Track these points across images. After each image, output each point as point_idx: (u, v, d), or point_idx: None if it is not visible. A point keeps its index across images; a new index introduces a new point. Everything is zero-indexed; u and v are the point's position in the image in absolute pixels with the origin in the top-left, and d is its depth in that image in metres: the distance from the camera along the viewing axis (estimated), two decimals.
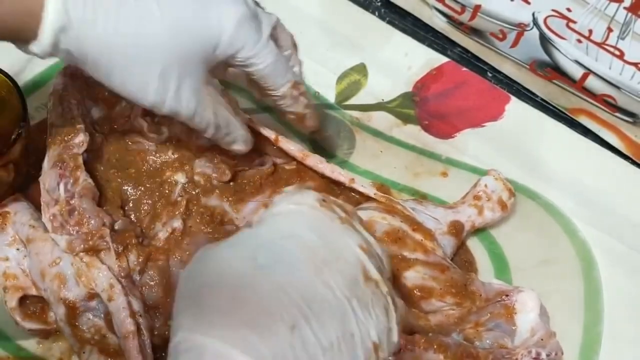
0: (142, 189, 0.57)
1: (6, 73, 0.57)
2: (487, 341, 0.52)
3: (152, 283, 0.53)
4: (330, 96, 0.70)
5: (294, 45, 0.56)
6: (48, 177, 0.55)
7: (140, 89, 0.47)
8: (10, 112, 0.56)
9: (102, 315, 0.52)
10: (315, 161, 0.60)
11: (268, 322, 0.36)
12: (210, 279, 0.39)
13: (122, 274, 0.52)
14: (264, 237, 0.40)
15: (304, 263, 0.38)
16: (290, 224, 0.41)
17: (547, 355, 0.52)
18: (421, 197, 0.64)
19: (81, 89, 0.61)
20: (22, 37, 0.44)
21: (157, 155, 0.59)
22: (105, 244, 0.52)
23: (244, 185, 0.59)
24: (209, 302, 0.38)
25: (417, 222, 0.57)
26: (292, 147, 0.60)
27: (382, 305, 0.40)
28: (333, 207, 0.43)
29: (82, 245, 0.52)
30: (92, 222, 0.53)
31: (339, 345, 0.37)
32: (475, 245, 0.62)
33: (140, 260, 0.53)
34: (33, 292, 0.54)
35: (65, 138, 0.56)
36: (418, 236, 0.56)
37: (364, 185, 0.60)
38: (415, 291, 0.54)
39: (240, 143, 0.55)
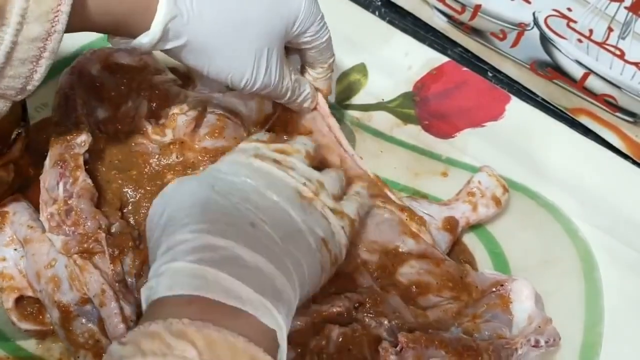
0: (142, 191, 0.57)
1: None
2: (486, 333, 0.52)
3: None
4: (331, 96, 0.70)
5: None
6: (48, 176, 0.55)
7: (239, 70, 0.51)
8: (10, 112, 0.56)
9: (96, 320, 0.51)
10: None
11: (234, 221, 0.43)
12: (176, 204, 0.45)
13: (116, 278, 0.51)
14: (216, 175, 0.48)
15: (251, 186, 0.47)
16: (236, 170, 0.48)
17: (546, 342, 0.53)
18: (421, 197, 0.64)
19: (88, 88, 0.61)
20: (132, 30, 0.47)
21: (160, 157, 0.58)
22: (100, 247, 0.52)
23: None
24: (179, 212, 0.44)
25: (409, 209, 0.57)
26: None
27: (319, 214, 0.48)
28: (268, 155, 0.51)
29: (77, 247, 0.51)
30: (89, 223, 0.52)
31: (292, 237, 0.45)
32: (475, 245, 0.62)
33: (136, 263, 0.52)
34: (29, 293, 0.54)
35: (68, 137, 0.56)
36: (413, 225, 0.56)
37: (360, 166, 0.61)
38: (412, 288, 0.55)
39: (309, 101, 0.60)
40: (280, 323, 0.40)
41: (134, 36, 0.47)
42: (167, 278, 0.40)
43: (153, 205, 0.47)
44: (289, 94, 0.57)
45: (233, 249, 0.41)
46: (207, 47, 0.49)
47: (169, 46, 0.48)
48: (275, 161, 0.50)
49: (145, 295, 0.41)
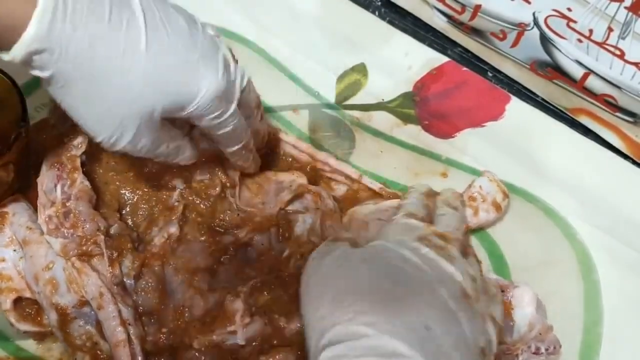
0: (140, 193, 0.57)
1: (5, 73, 0.57)
2: None
3: (147, 289, 0.52)
4: (330, 96, 0.70)
5: (258, 106, 0.56)
6: (45, 178, 0.55)
7: (99, 128, 0.46)
8: (10, 112, 0.56)
9: (94, 322, 0.52)
10: (324, 156, 0.63)
11: (410, 322, 0.41)
12: (345, 283, 0.44)
13: (115, 281, 0.51)
14: (385, 254, 0.46)
15: (421, 284, 0.44)
16: (403, 253, 0.46)
17: (546, 349, 0.53)
18: None
19: None
20: None
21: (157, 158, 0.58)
22: (98, 249, 0.52)
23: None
24: (362, 303, 0.42)
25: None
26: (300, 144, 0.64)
27: (479, 318, 0.45)
28: (431, 239, 0.48)
29: (75, 250, 0.51)
30: (87, 226, 0.52)
31: (458, 345, 0.42)
32: (475, 247, 0.62)
33: (135, 265, 0.52)
34: (28, 294, 0.54)
35: (65, 139, 0.56)
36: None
37: (371, 181, 0.62)
38: None
39: (185, 160, 0.54)
40: None
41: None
42: None
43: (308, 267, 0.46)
44: (161, 158, 0.51)
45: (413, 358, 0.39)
46: (71, 93, 0.44)
47: (33, 72, 0.44)
48: (439, 248, 0.47)
49: None
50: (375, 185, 0.62)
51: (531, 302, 0.54)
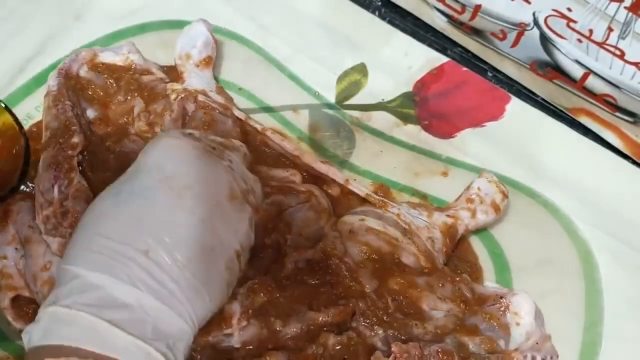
0: None
1: (16, 118, 0.57)
2: (482, 346, 0.52)
3: None
4: (330, 96, 0.70)
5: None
6: (42, 179, 0.55)
7: None
8: (14, 159, 0.56)
9: None
10: (310, 159, 0.61)
11: (123, 249, 0.41)
12: (85, 218, 0.45)
13: None
14: (129, 174, 0.46)
15: (162, 191, 0.44)
16: (155, 157, 0.46)
17: (542, 359, 0.52)
18: (421, 197, 0.64)
19: (76, 89, 0.61)
20: None
21: None
22: None
23: None
24: (77, 239, 0.43)
25: (410, 230, 0.57)
26: (287, 145, 0.62)
27: (247, 218, 0.47)
28: (195, 137, 0.48)
29: None
30: None
31: (198, 260, 0.42)
32: (475, 245, 0.62)
33: None
34: (26, 293, 0.54)
35: (60, 140, 0.56)
36: (411, 247, 0.56)
37: (357, 186, 0.60)
38: (408, 297, 0.54)
39: None
40: None
41: None
42: (41, 325, 0.40)
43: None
44: None
45: (112, 289, 0.40)
46: None
47: None
48: (213, 149, 0.48)
49: (25, 340, 0.41)
50: (361, 192, 0.60)
51: (530, 312, 0.53)
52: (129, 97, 0.61)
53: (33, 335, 0.41)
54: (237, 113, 0.63)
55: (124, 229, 0.42)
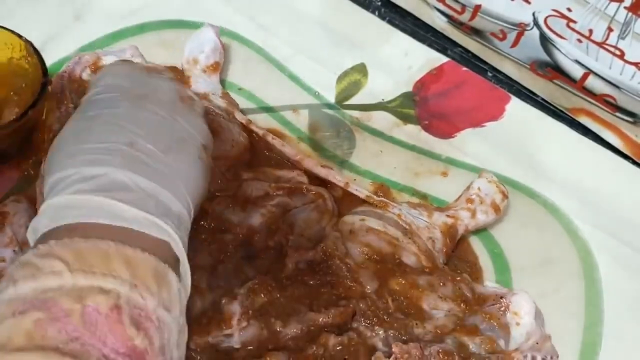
0: None
1: (20, 35, 0.58)
2: (482, 346, 0.52)
3: None
4: (330, 96, 0.70)
5: None
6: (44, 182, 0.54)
7: None
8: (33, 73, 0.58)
9: None
10: (310, 164, 0.61)
11: (108, 146, 0.42)
12: (58, 143, 0.45)
13: None
14: (90, 96, 0.47)
15: (123, 101, 0.46)
16: (109, 79, 0.48)
17: (543, 359, 0.52)
18: (421, 197, 0.64)
19: (79, 92, 0.61)
20: None
21: None
22: None
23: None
24: (56, 155, 0.44)
25: (410, 230, 0.57)
26: (288, 150, 0.62)
27: (200, 114, 0.49)
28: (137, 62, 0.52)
29: None
30: None
31: (174, 147, 0.44)
32: (475, 245, 0.62)
33: None
34: None
35: None
36: (412, 247, 0.56)
37: (357, 189, 0.60)
38: (408, 297, 0.54)
39: None
40: (172, 235, 0.41)
41: None
42: (47, 214, 0.40)
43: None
44: None
45: (109, 175, 0.41)
46: None
47: None
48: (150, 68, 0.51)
49: (30, 238, 0.41)
50: (362, 194, 0.60)
51: (530, 312, 0.53)
52: None
53: (40, 225, 0.41)
54: (239, 117, 0.63)
55: (101, 134, 0.43)
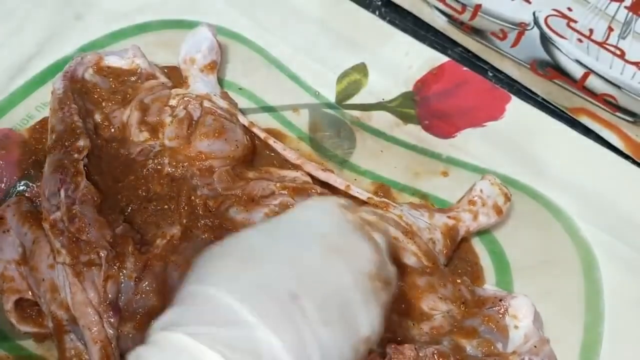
0: (143, 194, 0.57)
1: None
2: (480, 348, 0.52)
3: (147, 291, 0.51)
4: (331, 96, 0.70)
5: None
6: (48, 183, 0.54)
7: None
8: None
9: (84, 340, 0.50)
10: (311, 168, 0.61)
11: (271, 286, 0.38)
12: (225, 249, 0.41)
13: (106, 301, 0.50)
14: (282, 220, 0.43)
15: (315, 245, 0.41)
16: (310, 215, 0.44)
17: None
18: (422, 196, 0.64)
19: (81, 93, 0.61)
20: None
21: (155, 162, 0.58)
22: (98, 261, 0.51)
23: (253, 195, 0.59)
24: (219, 264, 0.40)
25: (411, 230, 0.57)
26: (290, 154, 0.62)
27: (380, 304, 0.42)
28: (351, 211, 0.45)
29: (78, 256, 0.51)
30: (92, 232, 0.51)
31: (337, 325, 0.39)
32: (476, 245, 0.62)
33: (137, 267, 0.51)
34: (29, 295, 0.54)
35: (66, 143, 0.56)
36: (412, 247, 0.56)
37: (358, 191, 0.60)
38: (407, 300, 0.54)
39: None
40: None
41: None
42: (161, 355, 0.36)
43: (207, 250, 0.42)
44: None
45: (256, 330, 0.36)
46: None
47: None
48: (367, 221, 0.45)
49: None
50: (362, 196, 0.60)
51: (528, 315, 0.53)
52: (129, 109, 0.61)
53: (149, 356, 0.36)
54: (241, 119, 0.63)
55: (274, 265, 0.39)
